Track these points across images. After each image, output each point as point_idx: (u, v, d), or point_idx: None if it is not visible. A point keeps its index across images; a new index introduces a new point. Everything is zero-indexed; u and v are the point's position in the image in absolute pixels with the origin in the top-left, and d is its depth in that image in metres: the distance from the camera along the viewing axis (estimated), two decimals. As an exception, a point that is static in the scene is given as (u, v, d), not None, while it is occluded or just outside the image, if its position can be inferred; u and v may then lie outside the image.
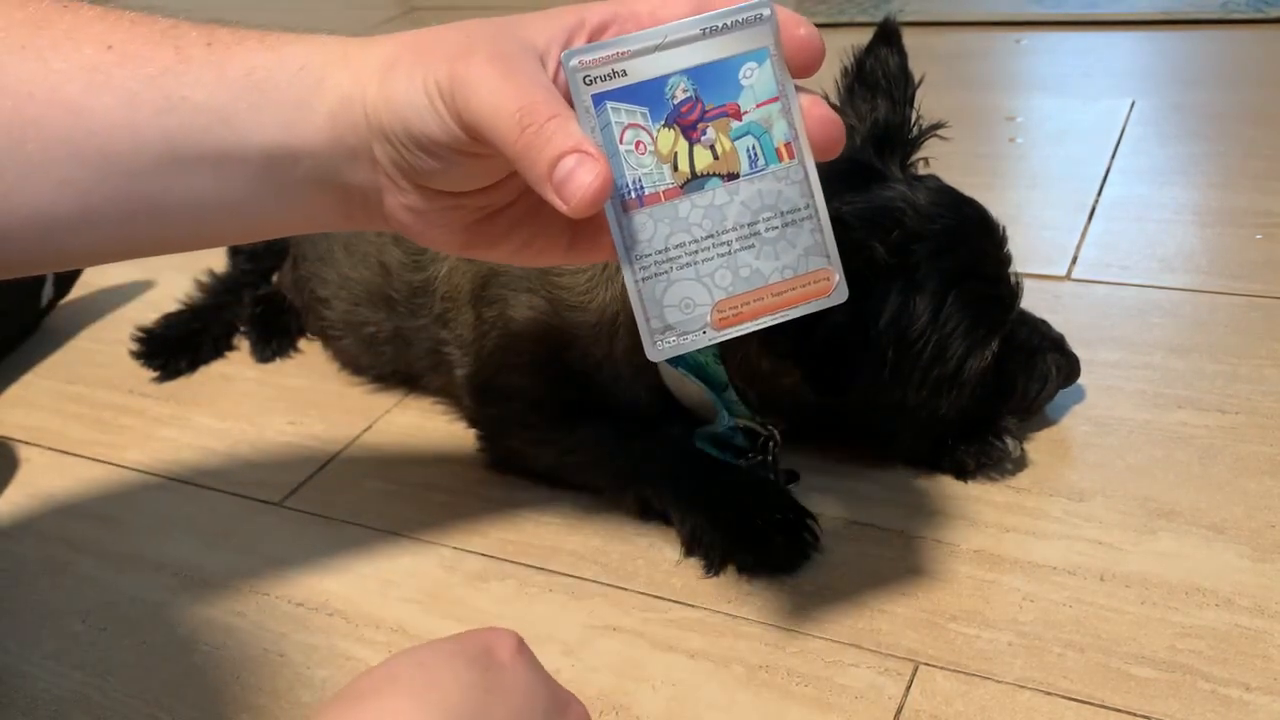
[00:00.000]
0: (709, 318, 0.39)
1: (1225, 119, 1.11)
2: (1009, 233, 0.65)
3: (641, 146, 0.38)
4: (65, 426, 0.84)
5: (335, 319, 0.82)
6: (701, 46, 0.37)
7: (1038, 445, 0.68)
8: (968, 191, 0.64)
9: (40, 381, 0.92)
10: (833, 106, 0.65)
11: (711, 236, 0.38)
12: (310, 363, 0.89)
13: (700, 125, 0.38)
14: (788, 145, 0.38)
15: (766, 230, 0.39)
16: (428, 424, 0.79)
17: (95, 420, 0.85)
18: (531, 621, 0.60)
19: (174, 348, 0.90)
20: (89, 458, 0.80)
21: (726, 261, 0.39)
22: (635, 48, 0.37)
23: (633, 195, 0.38)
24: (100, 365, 0.92)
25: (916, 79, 0.65)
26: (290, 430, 0.80)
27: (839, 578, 0.60)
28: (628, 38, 0.37)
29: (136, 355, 0.90)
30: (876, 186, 0.61)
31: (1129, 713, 0.50)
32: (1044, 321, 0.68)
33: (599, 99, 0.37)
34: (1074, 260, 0.88)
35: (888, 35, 0.65)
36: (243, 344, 0.92)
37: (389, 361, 0.81)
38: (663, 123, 0.38)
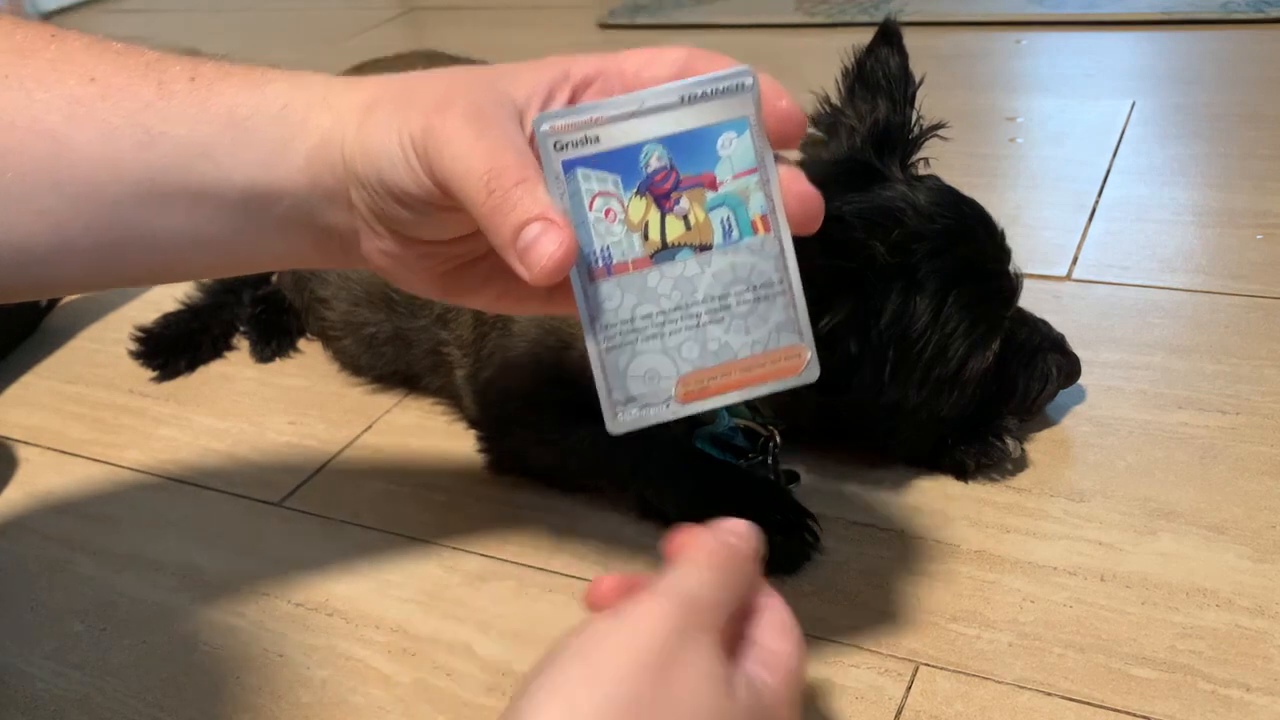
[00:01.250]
0: (674, 391, 0.38)
1: (1225, 119, 1.11)
2: (1009, 233, 0.65)
3: (611, 214, 0.37)
4: (65, 426, 0.84)
5: (335, 319, 0.82)
6: (679, 114, 0.36)
7: (1038, 445, 0.68)
8: (968, 192, 0.64)
9: (40, 381, 0.92)
10: (834, 108, 0.66)
11: (680, 308, 0.37)
12: (310, 363, 0.89)
13: (674, 194, 0.37)
14: (764, 218, 0.37)
15: (738, 304, 0.37)
16: (428, 424, 0.79)
17: (95, 420, 0.85)
18: (531, 621, 0.60)
19: (173, 347, 0.90)
20: (88, 457, 0.80)
21: (695, 334, 0.37)
22: (610, 114, 0.36)
23: (600, 264, 0.37)
24: (100, 365, 0.92)
25: (917, 79, 0.65)
26: (290, 430, 0.80)
27: (839, 578, 0.60)
28: (603, 103, 0.36)
29: (136, 355, 0.90)
30: (877, 186, 0.61)
31: (1129, 713, 0.50)
32: (1044, 322, 0.68)
33: (569, 165, 0.36)
34: (1074, 261, 0.88)
35: (888, 35, 0.65)
36: (242, 344, 0.92)
37: (389, 362, 0.81)
38: (635, 191, 0.37)
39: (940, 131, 0.65)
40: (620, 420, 0.38)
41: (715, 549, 0.38)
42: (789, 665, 0.37)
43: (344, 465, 0.76)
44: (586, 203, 0.36)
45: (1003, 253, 0.64)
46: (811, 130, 0.68)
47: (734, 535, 0.39)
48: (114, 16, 2.24)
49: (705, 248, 0.37)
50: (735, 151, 0.37)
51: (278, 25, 2.03)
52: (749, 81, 0.37)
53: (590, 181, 0.36)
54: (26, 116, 0.39)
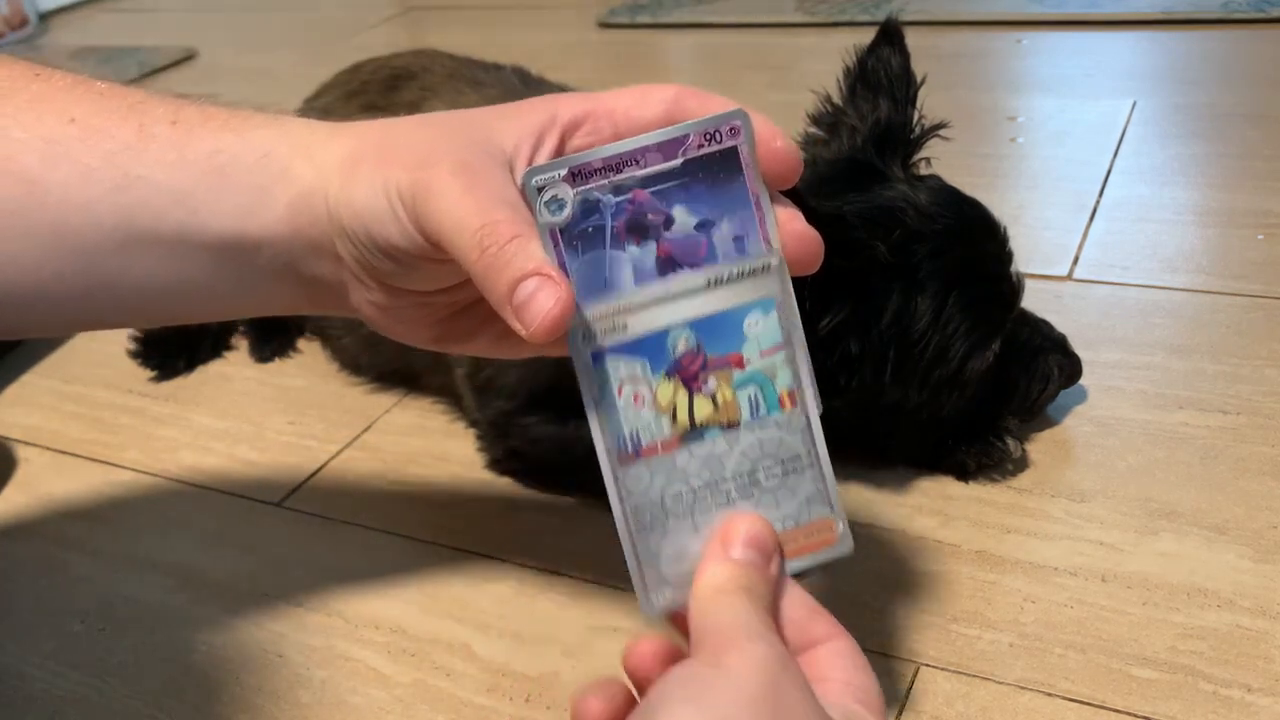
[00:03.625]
0: None
1: (1226, 119, 1.11)
2: (1010, 233, 0.65)
3: (640, 399, 0.37)
4: (64, 426, 0.84)
5: (335, 318, 0.82)
6: (707, 297, 0.37)
7: (1039, 446, 0.68)
8: (969, 191, 0.64)
9: (39, 381, 0.91)
10: (835, 107, 0.66)
11: (709, 486, 0.37)
12: (310, 363, 0.89)
13: (701, 375, 0.37)
14: (791, 393, 0.37)
15: (766, 479, 0.37)
16: (428, 424, 0.79)
17: (94, 420, 0.85)
18: (531, 621, 0.60)
19: (172, 347, 0.90)
20: (87, 457, 0.80)
21: (725, 511, 0.37)
22: (638, 300, 0.36)
23: (630, 449, 0.37)
24: (99, 365, 0.92)
25: (918, 79, 0.64)
26: (290, 430, 0.80)
27: (839, 578, 0.60)
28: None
29: (134, 355, 0.90)
30: (878, 186, 0.61)
31: (1130, 714, 0.50)
32: (1046, 322, 0.68)
33: (598, 354, 0.36)
34: (1075, 261, 0.88)
35: (890, 35, 0.64)
36: (241, 344, 0.92)
37: (389, 360, 0.81)
38: (663, 374, 0.37)
39: (941, 131, 0.65)
40: (656, 604, 0.37)
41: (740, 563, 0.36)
42: (882, 702, 0.35)
43: (344, 465, 0.76)
44: (615, 389, 0.36)
45: (1004, 253, 0.64)
46: (813, 129, 0.68)
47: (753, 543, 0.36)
48: (114, 16, 2.23)
49: (733, 425, 0.37)
50: (762, 330, 0.37)
51: (278, 25, 2.03)
52: (774, 263, 0.37)
53: (619, 369, 0.36)
54: (1, 156, 0.38)
